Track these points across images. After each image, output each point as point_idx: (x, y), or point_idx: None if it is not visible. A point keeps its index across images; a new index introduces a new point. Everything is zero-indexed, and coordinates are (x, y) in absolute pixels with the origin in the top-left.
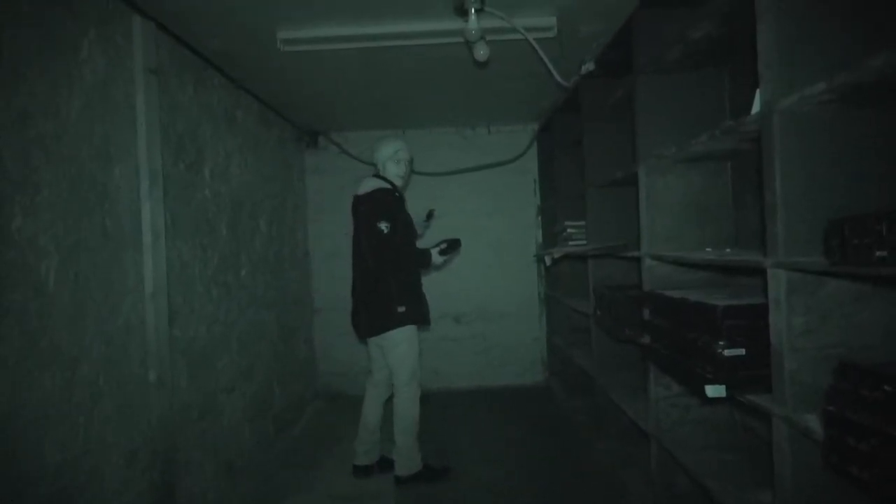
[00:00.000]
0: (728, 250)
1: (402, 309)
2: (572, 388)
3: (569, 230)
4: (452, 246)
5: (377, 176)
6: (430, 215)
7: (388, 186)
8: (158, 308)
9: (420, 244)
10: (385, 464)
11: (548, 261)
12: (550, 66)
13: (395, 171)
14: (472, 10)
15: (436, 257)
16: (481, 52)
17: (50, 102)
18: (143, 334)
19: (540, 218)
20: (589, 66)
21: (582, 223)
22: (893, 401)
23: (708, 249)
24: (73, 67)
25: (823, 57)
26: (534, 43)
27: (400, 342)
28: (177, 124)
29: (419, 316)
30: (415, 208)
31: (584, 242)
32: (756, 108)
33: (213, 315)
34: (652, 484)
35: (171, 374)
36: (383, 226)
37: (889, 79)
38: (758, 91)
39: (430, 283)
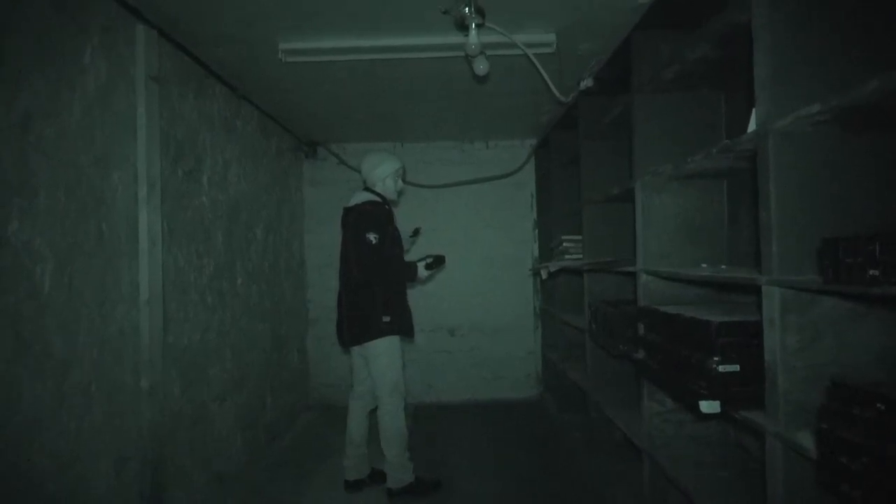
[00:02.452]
0: (723, 267)
1: (386, 319)
2: (566, 403)
3: (565, 244)
4: (438, 262)
5: (367, 189)
6: (416, 232)
7: (379, 199)
8: (153, 315)
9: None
10: (377, 476)
11: (544, 274)
12: (549, 82)
13: (394, 188)
14: (473, 26)
15: (421, 271)
16: (481, 67)
17: (51, 107)
18: (136, 341)
19: (537, 232)
20: (587, 83)
21: (578, 238)
22: (885, 420)
23: (703, 266)
24: (76, 73)
25: (819, 78)
26: (533, 58)
27: (382, 352)
28: (176, 132)
29: (403, 327)
30: (413, 220)
31: (581, 257)
32: (752, 126)
33: (207, 323)
34: (644, 501)
35: (163, 381)
36: (372, 237)
37: (882, 102)
38: (754, 110)
39: (426, 296)
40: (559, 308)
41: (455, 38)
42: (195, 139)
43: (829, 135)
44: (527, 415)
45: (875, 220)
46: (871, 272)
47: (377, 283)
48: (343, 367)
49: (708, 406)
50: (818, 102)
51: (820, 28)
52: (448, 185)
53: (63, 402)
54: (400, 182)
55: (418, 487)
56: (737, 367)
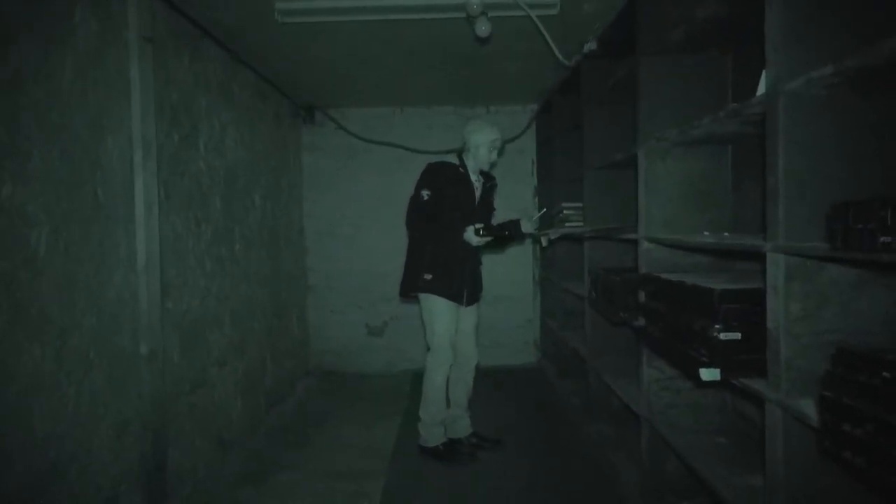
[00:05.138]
0: (726, 235)
1: (427, 277)
2: (564, 371)
3: (565, 211)
4: (492, 231)
5: (458, 152)
6: (542, 213)
7: (454, 162)
8: (151, 280)
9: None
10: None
11: (544, 241)
12: (552, 44)
13: (486, 158)
14: None
15: (469, 234)
16: (483, 28)
17: (42, 68)
18: (134, 306)
19: (537, 199)
20: (591, 46)
21: (579, 205)
22: (892, 387)
23: (706, 233)
24: (67, 33)
25: (833, 41)
26: (536, 20)
27: (423, 307)
28: (171, 95)
29: (444, 289)
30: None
31: (581, 224)
32: (762, 89)
33: (206, 288)
34: (642, 466)
35: (163, 347)
36: (424, 193)
37: None
38: (763, 73)
39: None
40: (559, 276)
41: None
42: (191, 103)
43: (840, 99)
44: (526, 381)
45: (884, 188)
46: (882, 239)
47: (423, 239)
48: (342, 334)
49: (708, 374)
50: (832, 64)
51: None
52: (447, 152)
53: (62, 368)
54: (494, 153)
55: (437, 454)
56: (738, 335)
